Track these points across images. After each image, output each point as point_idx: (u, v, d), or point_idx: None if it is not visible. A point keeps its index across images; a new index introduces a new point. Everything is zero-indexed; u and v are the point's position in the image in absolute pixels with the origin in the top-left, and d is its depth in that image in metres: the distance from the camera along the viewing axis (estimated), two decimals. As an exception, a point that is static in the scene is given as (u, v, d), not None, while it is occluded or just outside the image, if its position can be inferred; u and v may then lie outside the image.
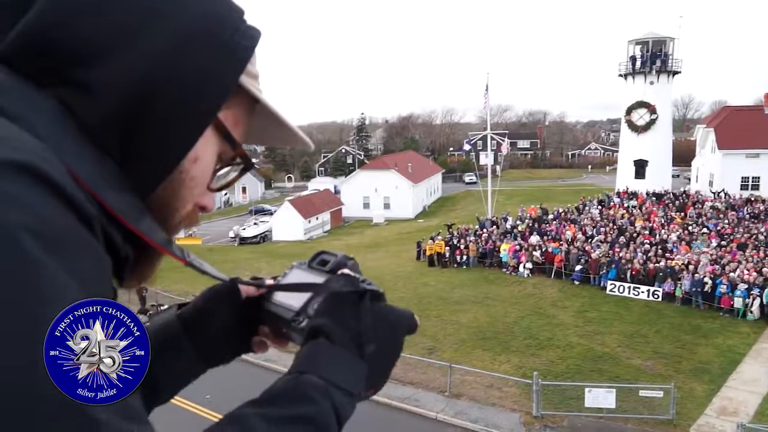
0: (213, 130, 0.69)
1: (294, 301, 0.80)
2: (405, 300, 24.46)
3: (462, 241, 30.40)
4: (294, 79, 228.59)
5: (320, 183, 70.87)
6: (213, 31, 0.66)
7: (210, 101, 0.66)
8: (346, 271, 0.80)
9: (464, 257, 29.46)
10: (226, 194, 62.27)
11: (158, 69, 0.61)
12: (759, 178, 45.85)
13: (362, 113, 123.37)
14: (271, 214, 53.13)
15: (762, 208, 34.33)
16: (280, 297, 0.83)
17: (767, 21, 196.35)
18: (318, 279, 0.80)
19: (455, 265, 29.49)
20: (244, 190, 79.18)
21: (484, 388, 17.11)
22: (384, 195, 57.48)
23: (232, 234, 47.15)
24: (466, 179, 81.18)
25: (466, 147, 50.97)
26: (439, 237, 31.44)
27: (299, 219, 47.34)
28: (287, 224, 47.20)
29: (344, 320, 0.72)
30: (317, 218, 50.04)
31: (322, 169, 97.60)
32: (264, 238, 47.60)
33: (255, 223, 49.86)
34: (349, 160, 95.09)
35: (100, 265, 0.55)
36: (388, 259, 33.25)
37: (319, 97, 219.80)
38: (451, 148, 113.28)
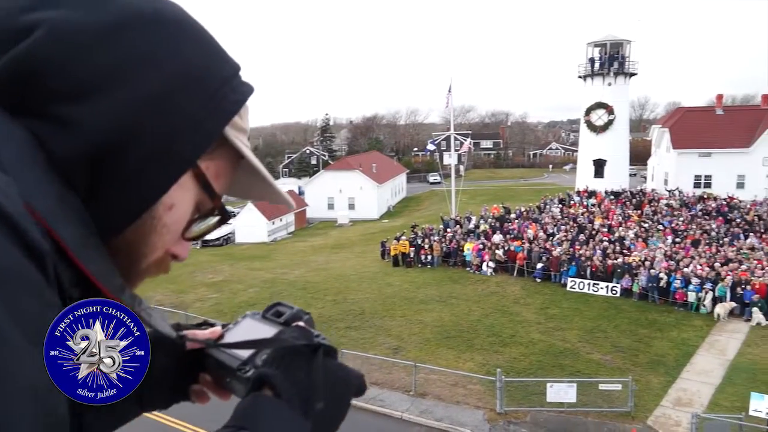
0: (193, 180, 0.68)
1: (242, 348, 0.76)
2: (370, 300, 24.51)
3: (426, 240, 30.60)
4: (258, 78, 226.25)
5: (284, 184, 70.14)
6: (202, 81, 0.66)
7: (188, 149, 0.65)
8: (300, 324, 0.77)
9: (428, 257, 29.66)
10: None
11: (141, 112, 0.61)
12: (711, 176, 47.49)
13: (326, 114, 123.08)
14: (234, 215, 52.41)
15: (714, 205, 35.60)
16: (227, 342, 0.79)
17: (718, 25, 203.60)
18: (271, 330, 0.77)
19: (420, 265, 29.67)
20: (206, 191, 77.66)
21: (448, 387, 17.27)
22: (348, 196, 57.26)
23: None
24: (431, 179, 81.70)
25: (430, 147, 51.26)
26: (404, 237, 31.59)
27: (263, 220, 46.86)
28: (250, 226, 46.65)
29: (294, 374, 0.68)
30: (281, 220, 49.61)
31: (286, 170, 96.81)
32: (227, 240, 46.94)
33: (218, 226, 49.11)
34: (314, 161, 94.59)
35: (44, 305, 0.52)
36: (353, 260, 33.23)
37: (283, 97, 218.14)
38: (416, 149, 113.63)
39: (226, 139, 0.70)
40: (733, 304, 21.67)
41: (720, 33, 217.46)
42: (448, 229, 32.46)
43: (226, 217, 0.75)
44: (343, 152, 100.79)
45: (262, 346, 0.73)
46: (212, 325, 0.85)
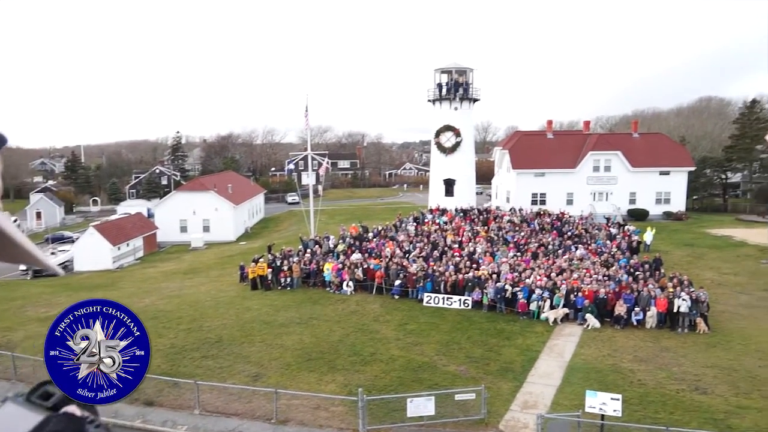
0: None
1: None
2: (227, 327, 23.43)
3: (285, 262, 30.08)
4: (101, 93, 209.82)
5: (131, 206, 65.40)
6: None
7: None
8: (71, 408, 0.66)
9: (288, 279, 29.15)
10: (15, 220, 54.60)
11: None
12: (545, 194, 52.51)
13: (178, 132, 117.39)
14: (73, 241, 47.75)
15: (548, 220, 39.13)
16: None
17: (545, 57, 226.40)
18: (35, 418, 0.65)
19: (279, 288, 29.04)
20: (38, 215, 70.24)
21: (311, 410, 16.94)
22: (203, 217, 55.18)
23: (23, 266, 41.35)
24: (289, 199, 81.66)
25: (288, 167, 51.00)
26: (262, 259, 30.77)
27: (106, 246, 43.14)
28: (93, 252, 42.70)
29: None
30: (128, 244, 46.07)
31: (134, 190, 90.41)
32: (64, 268, 42.51)
33: (52, 253, 44.39)
34: (164, 181, 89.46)
35: None
36: (209, 285, 31.67)
37: (129, 113, 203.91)
38: (273, 169, 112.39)
39: None
40: (566, 310, 23.80)
41: (548, 64, 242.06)
42: (308, 250, 32.23)
43: None
44: (197, 172, 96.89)
45: None
46: None
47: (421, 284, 26.70)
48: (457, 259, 29.45)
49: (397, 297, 26.99)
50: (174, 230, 54.46)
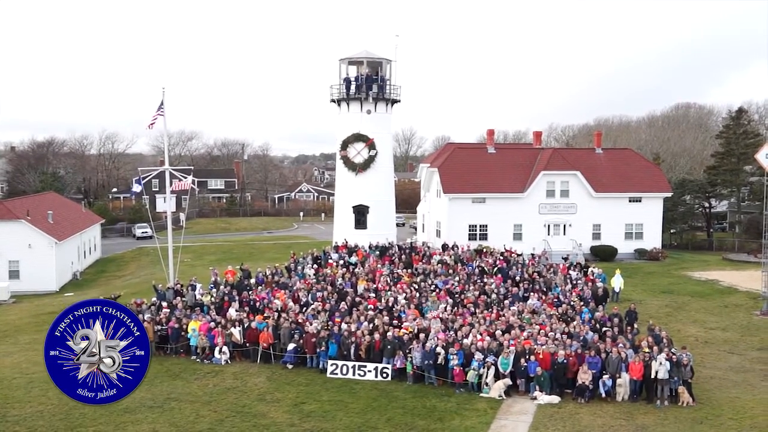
0: None
1: None
2: (45, 416, 22.28)
3: (132, 320, 29.11)
4: None
5: None
6: None
7: None
8: None
9: (136, 344, 28.18)
10: None
11: None
12: (486, 226, 54.07)
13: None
14: None
15: (491, 261, 40.23)
16: None
17: (484, 49, 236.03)
18: None
19: (123, 357, 28.00)
20: None
21: None
22: (9, 258, 53.38)
23: None
24: (138, 232, 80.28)
25: (137, 188, 49.58)
26: (98, 317, 29.63)
27: None
28: None
29: None
30: None
31: None
32: None
33: None
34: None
35: None
36: (20, 356, 30.07)
37: None
38: (115, 189, 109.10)
39: None
40: (507, 381, 24.40)
41: (488, 58, 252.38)
42: (165, 303, 31.41)
43: None
44: (1, 193, 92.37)
45: None
46: None
47: (324, 348, 26.61)
48: (372, 313, 29.62)
49: (290, 366, 26.76)
50: (-37, 277, 51.88)
